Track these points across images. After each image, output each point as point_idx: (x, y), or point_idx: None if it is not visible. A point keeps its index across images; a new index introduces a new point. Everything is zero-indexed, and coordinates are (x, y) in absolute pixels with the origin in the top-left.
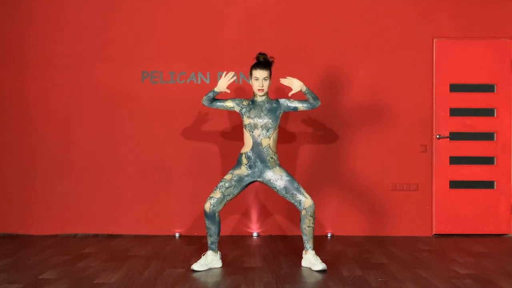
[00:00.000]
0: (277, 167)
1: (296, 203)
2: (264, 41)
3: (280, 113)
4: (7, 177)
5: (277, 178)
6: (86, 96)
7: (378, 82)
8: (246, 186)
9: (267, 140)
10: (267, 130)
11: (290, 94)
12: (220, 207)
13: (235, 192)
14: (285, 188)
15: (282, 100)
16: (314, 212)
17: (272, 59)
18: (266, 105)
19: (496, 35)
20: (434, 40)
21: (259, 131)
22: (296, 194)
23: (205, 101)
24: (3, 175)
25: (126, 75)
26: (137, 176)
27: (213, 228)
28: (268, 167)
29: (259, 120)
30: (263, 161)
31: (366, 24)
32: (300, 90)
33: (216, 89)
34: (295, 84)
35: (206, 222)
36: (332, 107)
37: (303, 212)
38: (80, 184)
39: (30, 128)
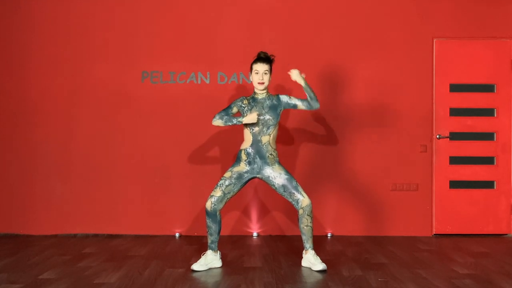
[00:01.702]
0: (277, 164)
1: (293, 202)
2: (264, 41)
3: (280, 110)
4: (7, 177)
5: (275, 175)
6: (86, 96)
7: (378, 82)
8: (245, 183)
9: (267, 137)
10: (268, 128)
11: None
12: (221, 206)
13: (235, 189)
14: (283, 186)
15: (282, 96)
16: (311, 211)
17: (273, 57)
18: (267, 102)
19: (496, 35)
20: (434, 40)
21: (260, 128)
22: (294, 193)
23: (222, 122)
24: (3, 175)
25: (126, 75)
26: (137, 176)
27: (213, 227)
28: (268, 164)
29: (260, 117)
30: (262, 157)
31: (366, 24)
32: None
33: (244, 121)
34: (292, 74)
35: (207, 220)
36: (332, 107)
37: (300, 211)
38: (80, 184)
39: (30, 128)
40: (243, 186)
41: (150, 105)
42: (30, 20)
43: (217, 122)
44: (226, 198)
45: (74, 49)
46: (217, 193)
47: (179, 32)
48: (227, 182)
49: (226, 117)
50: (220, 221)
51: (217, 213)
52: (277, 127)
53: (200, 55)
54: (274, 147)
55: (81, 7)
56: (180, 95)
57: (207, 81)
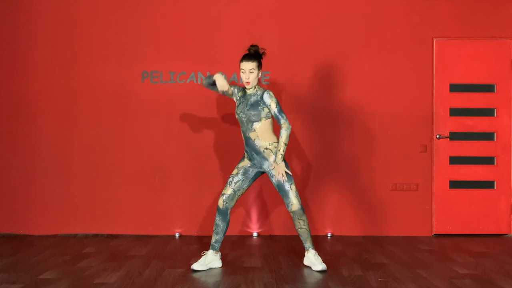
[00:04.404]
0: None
1: (286, 203)
2: (264, 41)
3: (262, 107)
4: (7, 177)
5: (273, 173)
6: (86, 96)
7: (378, 82)
8: (254, 178)
9: (254, 134)
10: (252, 124)
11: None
12: (233, 203)
13: (244, 185)
14: (278, 185)
15: (265, 97)
16: (302, 215)
17: (262, 51)
18: (252, 98)
19: (496, 35)
20: (434, 40)
21: (245, 127)
22: (286, 195)
23: (205, 84)
24: (3, 175)
25: (126, 75)
26: (137, 176)
27: (222, 226)
28: (265, 158)
29: (243, 115)
30: (258, 153)
31: (366, 24)
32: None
33: (214, 77)
34: (278, 171)
35: (216, 219)
36: (332, 107)
37: (292, 215)
38: (80, 184)
39: (30, 128)
40: (253, 181)
41: (150, 105)
42: (30, 20)
43: (203, 81)
44: (236, 196)
45: (74, 49)
46: (228, 191)
47: (179, 32)
48: (235, 179)
49: (207, 77)
50: (229, 221)
51: (228, 212)
52: (264, 121)
53: (200, 55)
54: (269, 141)
55: (81, 7)
56: (180, 95)
57: None
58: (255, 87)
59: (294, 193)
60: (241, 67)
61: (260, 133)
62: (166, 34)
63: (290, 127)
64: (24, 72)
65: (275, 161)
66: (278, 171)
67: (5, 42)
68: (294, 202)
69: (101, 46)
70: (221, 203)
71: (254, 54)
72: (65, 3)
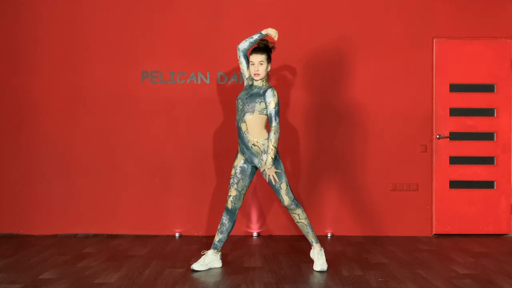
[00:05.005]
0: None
1: (279, 199)
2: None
3: (261, 101)
4: (8, 177)
5: (262, 170)
6: (86, 96)
7: (378, 82)
8: (253, 173)
9: (244, 125)
10: (244, 114)
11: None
12: (240, 203)
13: (246, 183)
14: (270, 183)
15: (268, 95)
16: (295, 209)
17: (272, 45)
18: (255, 90)
19: (496, 35)
20: (434, 40)
21: (239, 115)
22: (278, 192)
23: (245, 42)
24: (3, 175)
25: (126, 75)
26: (137, 176)
27: (227, 225)
28: (254, 155)
29: (240, 102)
30: (247, 147)
31: (366, 24)
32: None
33: (264, 32)
34: (268, 173)
35: (223, 218)
36: (332, 107)
37: (287, 210)
38: (80, 184)
39: (30, 128)
40: (252, 176)
41: (150, 105)
42: (30, 20)
43: (242, 44)
44: (242, 195)
45: (74, 49)
46: (233, 192)
47: (179, 32)
48: (236, 180)
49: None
50: (235, 222)
51: (236, 212)
52: (258, 117)
53: (200, 55)
54: (257, 138)
55: (81, 7)
56: (180, 95)
57: (207, 81)
58: (263, 80)
59: (285, 191)
60: (250, 60)
61: (250, 126)
62: (166, 34)
63: (279, 131)
64: (24, 73)
65: (265, 163)
66: (268, 173)
67: (5, 41)
68: (285, 199)
69: (101, 46)
70: (229, 204)
71: (264, 48)
72: (66, 3)
